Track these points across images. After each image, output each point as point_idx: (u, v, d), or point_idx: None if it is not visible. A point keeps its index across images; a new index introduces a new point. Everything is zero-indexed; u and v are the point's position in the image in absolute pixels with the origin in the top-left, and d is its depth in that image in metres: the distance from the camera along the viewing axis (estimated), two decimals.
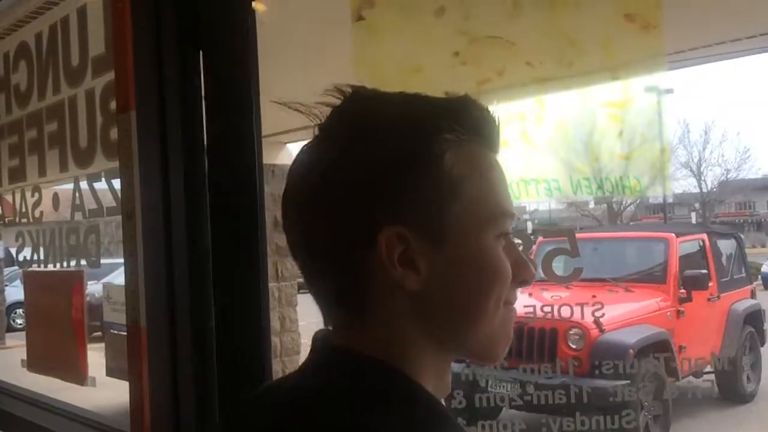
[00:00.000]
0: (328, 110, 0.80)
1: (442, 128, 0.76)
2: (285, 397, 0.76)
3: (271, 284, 6.69)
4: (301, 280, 8.37)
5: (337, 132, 0.78)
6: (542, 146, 1.47)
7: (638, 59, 1.39)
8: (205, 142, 1.34)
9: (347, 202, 0.74)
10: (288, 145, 7.14)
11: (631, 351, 6.33)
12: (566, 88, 1.45)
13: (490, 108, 0.81)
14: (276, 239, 6.91)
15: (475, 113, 0.78)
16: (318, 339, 0.82)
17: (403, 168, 0.74)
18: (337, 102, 0.80)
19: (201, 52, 1.34)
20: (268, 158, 6.73)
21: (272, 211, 6.10)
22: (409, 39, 1.42)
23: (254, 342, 1.36)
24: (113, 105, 1.70)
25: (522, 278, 0.80)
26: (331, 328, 0.81)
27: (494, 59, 1.36)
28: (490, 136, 0.79)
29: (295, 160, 0.81)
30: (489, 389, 6.11)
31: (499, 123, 0.80)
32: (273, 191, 6.25)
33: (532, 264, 0.82)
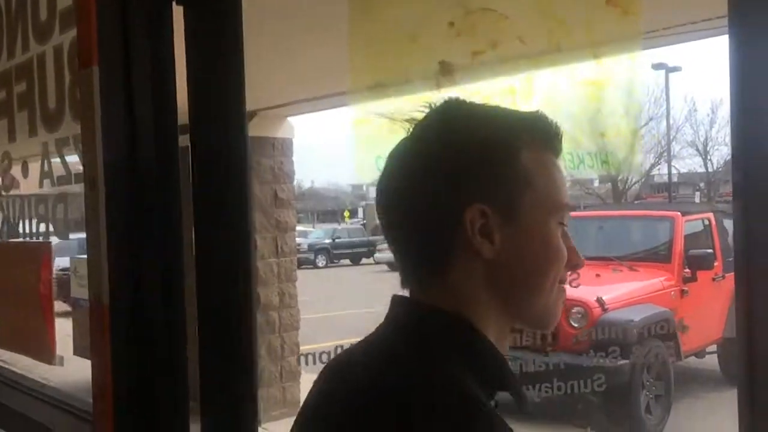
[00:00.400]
0: (412, 114, 0.97)
1: (520, 133, 0.93)
2: (380, 352, 0.90)
3: (271, 259, 6.61)
4: (301, 255, 8.23)
5: (436, 129, 0.94)
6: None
7: (616, 42, 1.36)
8: (186, 105, 1.22)
9: (443, 186, 0.90)
10: (289, 118, 7.03)
11: (633, 331, 6.28)
12: (553, 64, 1.43)
13: (554, 121, 0.98)
14: (276, 214, 6.83)
15: (544, 124, 0.96)
16: (396, 300, 0.96)
17: (490, 161, 0.91)
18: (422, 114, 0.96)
19: (175, 2, 1.22)
20: (269, 131, 6.57)
21: (272, 185, 5.96)
22: (405, 7, 1.39)
23: (238, 323, 1.26)
24: None
25: (573, 263, 0.95)
26: (408, 292, 0.95)
27: (488, 31, 1.34)
28: (555, 143, 0.97)
29: (395, 150, 0.97)
30: None
31: (562, 134, 0.97)
32: (274, 164, 6.11)
33: (578, 252, 0.96)
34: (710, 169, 29.23)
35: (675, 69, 24.74)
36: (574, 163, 1.38)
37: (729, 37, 0.93)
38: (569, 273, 0.97)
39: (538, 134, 0.95)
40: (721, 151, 27.89)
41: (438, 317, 0.91)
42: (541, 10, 1.28)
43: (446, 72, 1.28)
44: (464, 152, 0.91)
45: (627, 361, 6.03)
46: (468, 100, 0.99)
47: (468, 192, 0.90)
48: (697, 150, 28.95)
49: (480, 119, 0.95)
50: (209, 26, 1.20)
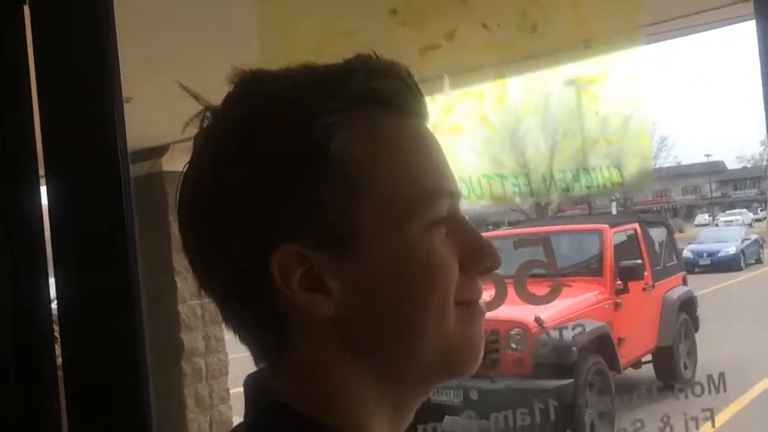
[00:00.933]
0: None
1: (322, 108, 0.61)
2: None
3: (194, 302, 6.24)
4: None
5: (211, 141, 0.67)
6: (505, 133, 1.19)
7: (612, 24, 1.11)
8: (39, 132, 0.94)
9: (228, 226, 0.62)
10: None
11: (573, 348, 6.18)
12: (531, 59, 1.17)
13: (392, 60, 0.65)
14: None
15: (367, 75, 0.63)
16: (247, 386, 0.69)
17: (282, 172, 0.61)
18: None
19: (26, 6, 0.93)
20: (183, 165, 6.27)
21: None
22: None
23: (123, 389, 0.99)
24: None
25: (481, 266, 0.65)
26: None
27: (442, 19, 1.08)
28: (396, 99, 0.63)
29: (181, 175, 0.68)
30: (432, 397, 5.84)
31: (409, 77, 0.64)
32: None
33: (490, 245, 0.66)
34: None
35: (584, 85, 25.54)
36: (568, 185, 1.15)
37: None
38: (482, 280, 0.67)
39: (355, 97, 0.62)
40: (556, 162, 28.98)
41: (285, 423, 0.63)
42: None
43: None
44: (243, 173, 0.62)
45: (570, 381, 5.91)
46: (263, 74, 0.67)
47: (263, 233, 0.61)
48: (536, 163, 29.87)
49: (262, 107, 0.64)
50: (67, 33, 0.92)
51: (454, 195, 0.65)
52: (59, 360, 1.09)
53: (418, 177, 0.63)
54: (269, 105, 0.63)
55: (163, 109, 4.75)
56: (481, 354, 0.67)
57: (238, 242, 0.63)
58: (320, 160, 0.61)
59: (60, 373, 1.09)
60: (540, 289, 6.44)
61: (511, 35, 1.10)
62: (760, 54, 0.74)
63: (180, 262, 6.23)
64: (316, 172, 0.61)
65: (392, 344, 0.64)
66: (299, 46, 1.08)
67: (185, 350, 6.03)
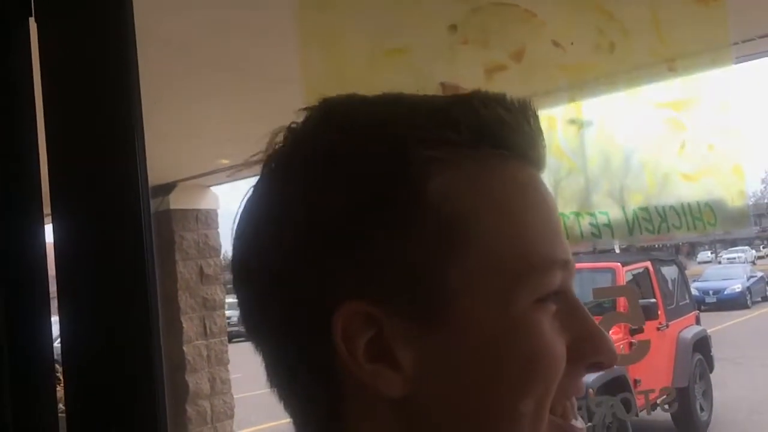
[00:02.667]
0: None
1: (422, 137, 0.50)
2: None
3: (199, 342, 6.10)
4: (231, 329, 7.74)
5: (279, 169, 0.55)
6: (582, 164, 1.10)
7: (698, 43, 1.00)
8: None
9: (289, 275, 0.52)
10: (212, 188, 6.69)
11: (590, 391, 6.00)
12: (610, 82, 1.06)
13: (513, 96, 0.52)
14: (203, 292, 6.32)
15: (482, 108, 0.51)
16: None
17: (359, 211, 0.50)
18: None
19: (32, 18, 0.82)
20: (190, 203, 6.16)
21: (197, 260, 5.49)
22: (383, 5, 1.00)
23: None
24: None
25: (593, 360, 0.53)
26: None
27: (508, 36, 0.98)
28: (516, 139, 0.52)
29: (238, 216, 0.58)
30: None
31: (532, 116, 0.53)
32: (198, 238, 5.66)
33: (605, 335, 0.54)
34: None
35: (588, 124, 25.75)
36: (653, 226, 1.04)
37: None
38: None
39: (464, 132, 0.50)
40: (636, 199, 29.07)
41: None
42: (583, 3, 0.95)
43: None
44: (314, 212, 0.51)
45: (588, 425, 5.73)
46: (348, 100, 0.56)
47: (331, 285, 0.50)
48: (614, 199, 29.96)
49: (347, 135, 0.52)
50: (84, 51, 0.81)
51: (568, 267, 0.54)
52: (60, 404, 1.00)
53: (532, 238, 0.52)
54: (354, 130, 0.52)
55: (170, 146, 4.68)
56: None
57: (296, 292, 0.52)
58: (413, 201, 0.49)
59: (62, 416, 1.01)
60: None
61: (586, 55, 0.99)
62: None
63: (186, 301, 6.10)
64: (405, 215, 0.49)
65: None
66: (345, 62, 0.97)
67: (190, 392, 5.87)
